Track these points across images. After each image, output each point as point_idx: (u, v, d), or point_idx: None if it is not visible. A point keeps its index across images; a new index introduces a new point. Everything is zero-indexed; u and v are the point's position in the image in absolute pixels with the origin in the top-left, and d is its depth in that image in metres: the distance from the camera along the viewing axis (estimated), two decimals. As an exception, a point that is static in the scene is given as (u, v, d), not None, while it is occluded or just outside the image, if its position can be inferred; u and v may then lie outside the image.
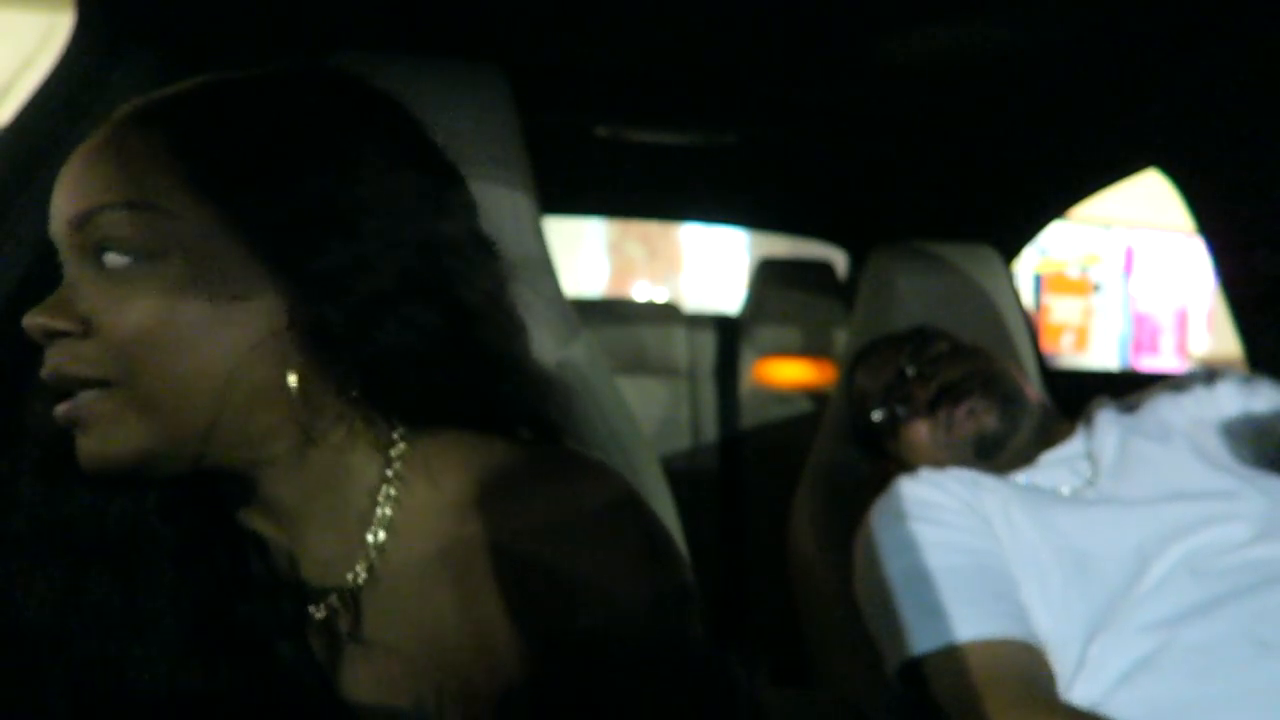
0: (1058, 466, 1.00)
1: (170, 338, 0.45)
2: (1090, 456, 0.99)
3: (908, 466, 1.13)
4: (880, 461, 1.23)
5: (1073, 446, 1.02)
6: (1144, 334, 5.69)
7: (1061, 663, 0.84)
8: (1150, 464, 0.95)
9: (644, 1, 1.02)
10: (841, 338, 2.22)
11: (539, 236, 0.92)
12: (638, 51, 1.20)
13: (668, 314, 2.25)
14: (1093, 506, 0.93)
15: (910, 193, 1.82)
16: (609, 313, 2.21)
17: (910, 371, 1.13)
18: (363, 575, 0.50)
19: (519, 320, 0.56)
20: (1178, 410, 1.02)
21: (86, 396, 0.45)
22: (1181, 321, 5.78)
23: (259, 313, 0.46)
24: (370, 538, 0.50)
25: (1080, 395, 1.15)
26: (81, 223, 0.45)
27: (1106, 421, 1.02)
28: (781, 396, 2.23)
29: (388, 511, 0.51)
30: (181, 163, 0.45)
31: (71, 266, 0.47)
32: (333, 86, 0.51)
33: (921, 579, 0.90)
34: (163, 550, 0.48)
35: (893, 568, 0.93)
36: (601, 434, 0.90)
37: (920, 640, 0.87)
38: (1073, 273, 5.51)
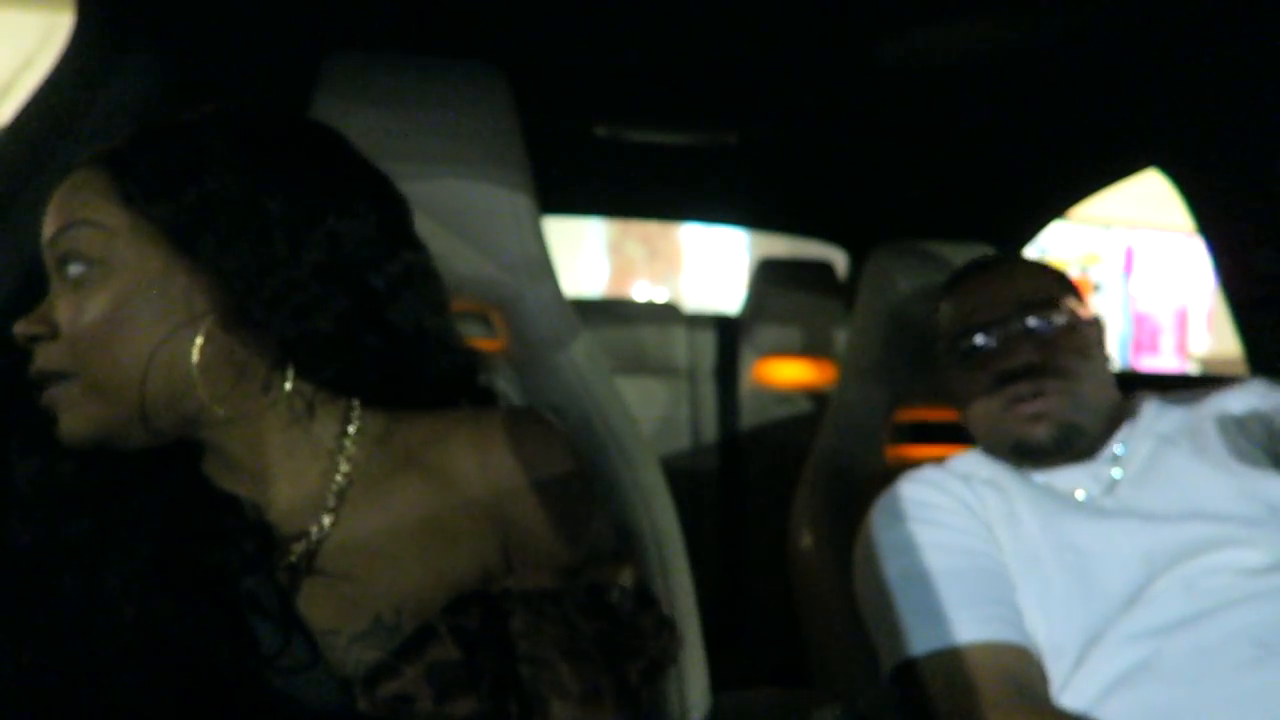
0: (1080, 470, 0.97)
1: (108, 331, 0.55)
2: (1115, 462, 0.96)
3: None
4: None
5: (1104, 449, 0.98)
6: (1144, 334, 5.69)
7: (1057, 668, 0.84)
8: (1177, 478, 0.92)
9: (644, 1, 1.02)
10: (841, 338, 2.22)
11: (539, 236, 0.92)
12: (638, 51, 1.20)
13: (668, 314, 2.25)
14: (1107, 516, 0.91)
15: (910, 193, 1.82)
16: (609, 313, 2.21)
17: (1014, 326, 0.98)
18: (326, 524, 0.59)
19: (438, 300, 0.65)
20: (1225, 421, 0.96)
21: (55, 388, 0.56)
22: (1181, 321, 5.78)
23: (181, 304, 0.56)
24: (331, 492, 0.60)
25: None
26: (52, 241, 0.57)
27: (1143, 425, 0.98)
28: (781, 396, 2.23)
29: (345, 469, 0.61)
30: (115, 189, 0.56)
31: (52, 280, 0.58)
32: (236, 121, 0.60)
33: (918, 580, 0.90)
34: (137, 504, 0.57)
35: (890, 568, 0.93)
36: (601, 434, 0.90)
37: (915, 642, 0.87)
38: (1073, 273, 5.50)
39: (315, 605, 0.57)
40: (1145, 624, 0.82)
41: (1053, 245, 5.39)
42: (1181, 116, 1.22)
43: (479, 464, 0.61)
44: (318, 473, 0.61)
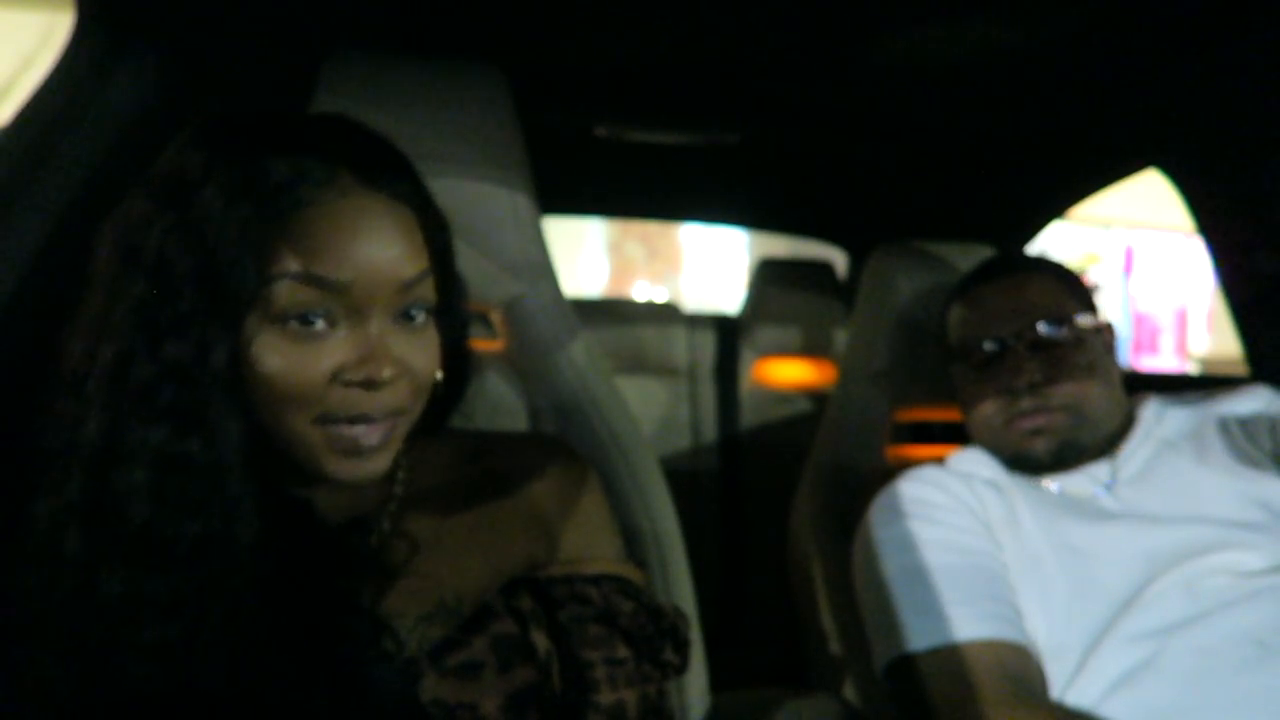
0: (1079, 472, 0.98)
1: (433, 372, 0.63)
2: (1115, 464, 0.97)
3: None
4: (880, 458, 1.23)
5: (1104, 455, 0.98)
6: (1144, 334, 5.69)
7: (1059, 669, 0.84)
8: (1177, 481, 0.93)
9: (645, 2, 1.02)
10: (841, 338, 2.22)
11: (539, 237, 0.92)
12: (638, 51, 1.20)
13: (668, 314, 2.25)
14: (1107, 518, 0.91)
15: (910, 193, 1.82)
16: (609, 313, 2.21)
17: (1021, 339, 0.98)
18: (387, 526, 0.64)
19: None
20: (1229, 425, 0.97)
21: (392, 424, 0.60)
22: (1181, 321, 5.79)
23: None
24: (394, 495, 0.66)
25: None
26: (402, 290, 0.59)
27: (1145, 429, 0.99)
28: (781, 396, 2.23)
29: (403, 475, 0.67)
30: (420, 226, 0.63)
31: (382, 323, 0.58)
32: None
33: (916, 577, 0.90)
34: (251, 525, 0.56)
35: (888, 565, 0.93)
36: (601, 434, 0.90)
37: (913, 638, 0.87)
38: (1073, 273, 5.49)
39: (382, 593, 0.60)
40: (1146, 625, 0.82)
41: (1053, 245, 5.40)
42: (1181, 116, 1.22)
43: (537, 477, 0.69)
44: (383, 476, 0.65)
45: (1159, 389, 1.08)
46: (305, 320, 0.53)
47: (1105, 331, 1.04)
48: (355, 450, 0.56)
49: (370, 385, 0.55)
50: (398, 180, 0.59)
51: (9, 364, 0.73)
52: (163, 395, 0.51)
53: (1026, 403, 0.96)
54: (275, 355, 0.53)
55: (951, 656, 0.84)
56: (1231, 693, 0.76)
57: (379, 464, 0.58)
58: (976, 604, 0.86)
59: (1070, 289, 1.03)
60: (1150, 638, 0.81)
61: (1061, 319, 0.99)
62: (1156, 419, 1.00)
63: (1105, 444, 0.99)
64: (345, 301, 0.54)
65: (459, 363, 0.69)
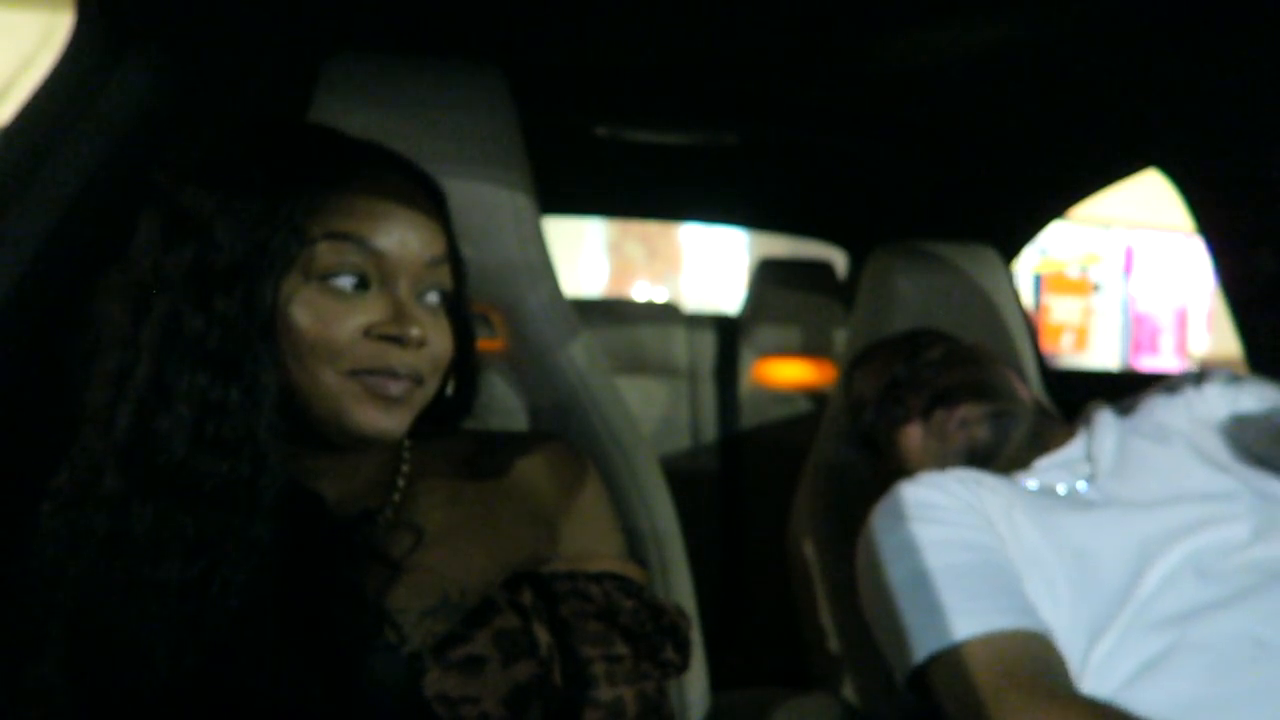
0: (1058, 469, 1.00)
1: (449, 353, 0.67)
2: (1090, 459, 0.99)
3: (905, 470, 1.12)
4: (880, 463, 1.23)
5: (1072, 450, 1.01)
6: (1144, 334, 5.69)
7: (1070, 663, 0.84)
8: (1150, 465, 0.95)
9: (644, 2, 1.02)
10: (841, 338, 2.22)
11: (539, 237, 0.92)
12: (638, 51, 1.20)
13: (668, 314, 2.25)
14: (1094, 508, 0.92)
15: (910, 193, 1.82)
16: (609, 313, 2.21)
17: (904, 377, 1.13)
18: (390, 514, 0.66)
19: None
20: (1173, 411, 1.02)
21: (412, 388, 0.63)
22: (1181, 321, 5.79)
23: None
24: (397, 488, 0.67)
25: (1080, 395, 1.15)
26: (428, 267, 0.64)
27: (1104, 423, 1.02)
28: (781, 396, 2.23)
29: (406, 469, 0.69)
30: (443, 226, 0.68)
31: (407, 295, 0.63)
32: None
33: (925, 580, 0.89)
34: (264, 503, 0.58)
35: (896, 571, 0.92)
36: (601, 434, 0.90)
37: (928, 641, 0.86)
38: (1073, 273, 5.51)
39: (386, 585, 0.62)
40: (1164, 613, 0.81)
41: (1053, 245, 5.40)
42: (1181, 116, 1.22)
43: (538, 473, 0.71)
44: (387, 471, 0.68)
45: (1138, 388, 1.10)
46: (340, 279, 0.59)
47: (974, 348, 1.18)
48: (380, 395, 0.60)
49: (398, 341, 0.60)
50: (420, 175, 0.67)
51: (12, 355, 0.73)
52: (209, 344, 0.56)
53: (940, 410, 1.06)
54: (311, 310, 0.58)
55: (970, 653, 0.82)
56: (1245, 687, 0.75)
57: (397, 420, 0.61)
58: (990, 598, 0.85)
59: (926, 336, 1.21)
60: (1166, 628, 0.80)
61: (930, 344, 1.14)
62: (1112, 416, 1.03)
63: (1041, 432, 1.06)
64: (378, 266, 0.60)
65: (467, 367, 0.71)
